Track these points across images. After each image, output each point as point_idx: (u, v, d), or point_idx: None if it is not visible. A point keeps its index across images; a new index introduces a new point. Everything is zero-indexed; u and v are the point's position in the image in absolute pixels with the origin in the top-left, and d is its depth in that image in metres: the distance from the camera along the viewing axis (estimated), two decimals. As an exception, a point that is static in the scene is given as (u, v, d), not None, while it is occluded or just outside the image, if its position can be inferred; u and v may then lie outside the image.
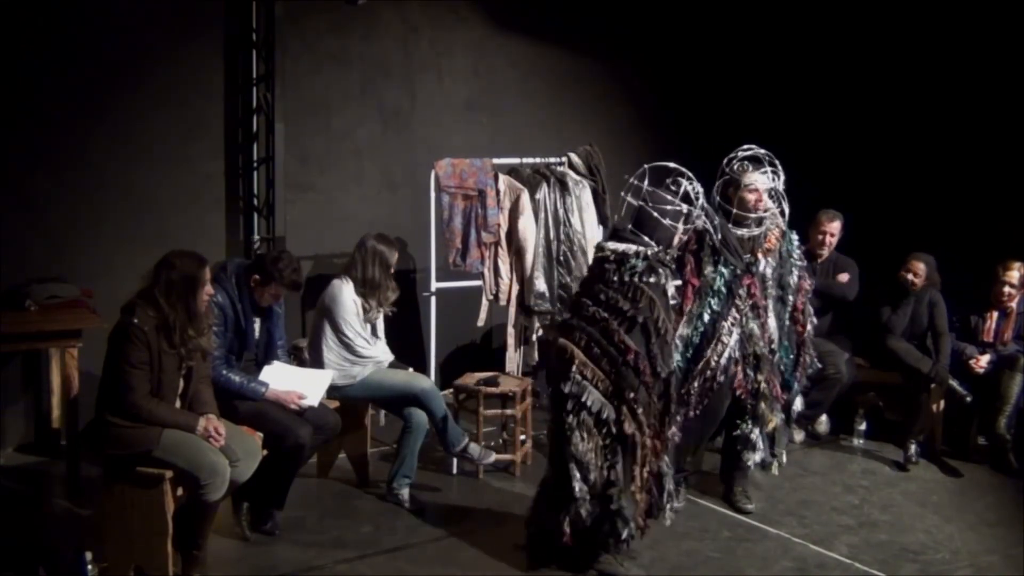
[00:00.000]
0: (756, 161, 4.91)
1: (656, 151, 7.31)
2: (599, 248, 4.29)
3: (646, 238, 4.15)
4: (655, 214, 4.16)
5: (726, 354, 4.85)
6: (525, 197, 5.75)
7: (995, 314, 6.01)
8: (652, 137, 7.69)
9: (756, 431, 4.99)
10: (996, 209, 6.68)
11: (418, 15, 6.84)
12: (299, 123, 6.43)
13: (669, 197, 4.25)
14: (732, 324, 4.86)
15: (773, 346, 5.00)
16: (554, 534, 4.20)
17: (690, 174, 4.36)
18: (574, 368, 4.06)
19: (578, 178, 5.90)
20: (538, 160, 5.95)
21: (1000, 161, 6.82)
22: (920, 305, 5.96)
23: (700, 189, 4.37)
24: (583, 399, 4.05)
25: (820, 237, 6.11)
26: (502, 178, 5.77)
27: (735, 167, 4.89)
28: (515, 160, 5.93)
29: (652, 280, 4.09)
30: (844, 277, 6.16)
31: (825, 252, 6.16)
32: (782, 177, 4.95)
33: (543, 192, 5.79)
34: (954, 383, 5.82)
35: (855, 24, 7.56)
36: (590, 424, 4.06)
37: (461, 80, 7.07)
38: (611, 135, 7.31)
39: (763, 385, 4.93)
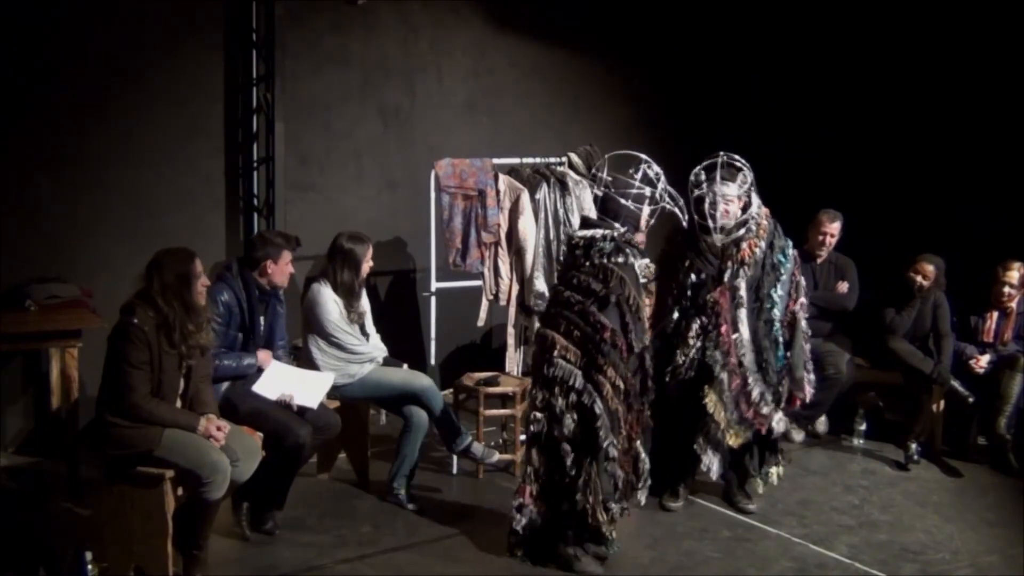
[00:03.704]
0: (725, 167, 4.81)
1: (656, 151, 7.30)
2: (569, 238, 4.46)
3: (613, 222, 4.29)
4: (619, 198, 4.32)
5: (691, 355, 4.83)
6: (525, 197, 5.75)
7: (995, 314, 6.01)
8: (652, 137, 7.66)
9: (709, 451, 4.89)
10: (996, 209, 6.68)
11: (418, 15, 6.84)
12: (299, 123, 6.43)
13: (631, 181, 4.39)
14: (698, 330, 4.83)
15: (744, 359, 4.82)
16: (543, 521, 4.32)
17: (648, 159, 4.46)
18: (556, 352, 4.18)
19: (578, 178, 5.90)
20: (538, 160, 5.95)
21: (1000, 161, 6.82)
22: (925, 306, 5.96)
23: (660, 171, 4.48)
24: (570, 381, 4.15)
25: (820, 238, 6.11)
26: (502, 178, 5.77)
27: (701, 186, 4.80)
28: (515, 160, 5.93)
29: (620, 260, 4.23)
30: (843, 287, 6.16)
31: (824, 253, 6.16)
32: (746, 176, 4.81)
33: (543, 192, 5.79)
34: (956, 384, 5.82)
35: (856, 23, 7.56)
36: (578, 405, 4.16)
37: (461, 80, 7.07)
38: (611, 135, 7.30)
39: (711, 401, 4.80)
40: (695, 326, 4.83)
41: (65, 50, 5.65)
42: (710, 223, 4.80)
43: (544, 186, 5.80)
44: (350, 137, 6.71)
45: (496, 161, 5.86)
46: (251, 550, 4.49)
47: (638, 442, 4.43)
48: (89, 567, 3.89)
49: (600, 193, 4.44)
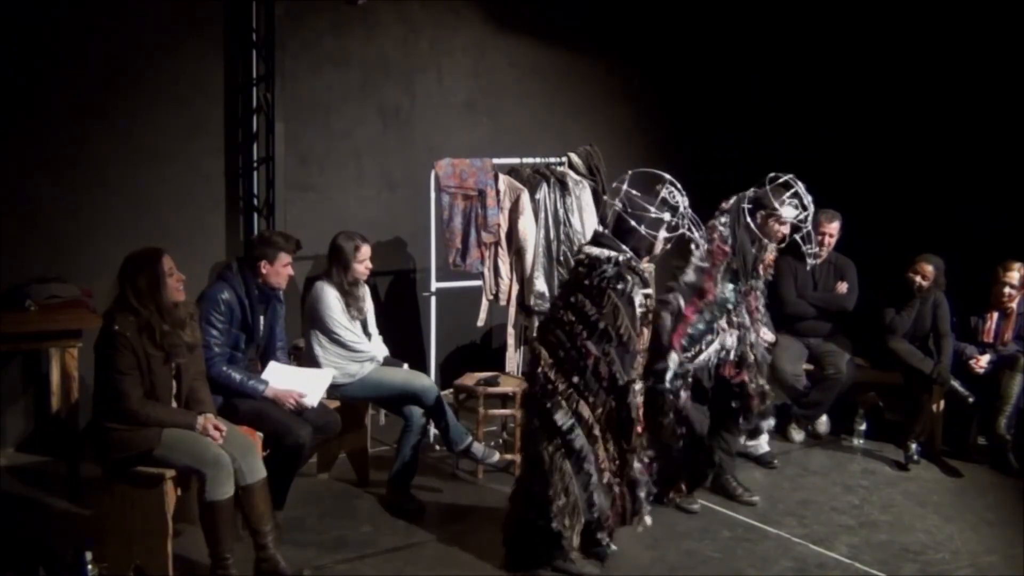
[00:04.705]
0: (795, 196, 4.86)
1: (656, 151, 7.35)
2: (578, 251, 4.34)
3: (623, 245, 4.17)
4: (631, 221, 4.18)
5: (700, 360, 4.85)
6: (525, 197, 5.75)
7: (995, 315, 6.01)
8: (652, 137, 7.69)
9: (769, 422, 5.14)
10: (996, 209, 6.68)
11: (418, 15, 6.84)
12: (299, 123, 6.43)
13: (648, 205, 4.23)
14: (733, 333, 4.90)
15: (758, 355, 5.04)
16: (529, 530, 4.27)
17: (673, 180, 4.31)
18: (539, 369, 4.12)
19: (578, 178, 5.91)
20: (538, 160, 5.95)
21: (1000, 161, 6.83)
22: (924, 306, 5.96)
23: (685, 200, 4.31)
24: (546, 402, 4.09)
25: (819, 238, 6.09)
26: (502, 178, 5.78)
27: (782, 200, 4.82)
28: (515, 160, 5.93)
29: (620, 287, 4.08)
30: (843, 287, 6.17)
31: (824, 253, 6.16)
32: (811, 218, 4.94)
33: (543, 192, 5.80)
34: (956, 384, 5.82)
35: (856, 23, 7.57)
36: (553, 426, 4.09)
37: (461, 80, 7.07)
38: (611, 135, 7.31)
39: (766, 385, 5.02)
40: (728, 331, 4.90)
41: (65, 50, 5.65)
42: (771, 241, 4.86)
43: (544, 186, 5.81)
44: (350, 137, 6.71)
45: (496, 161, 5.86)
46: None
47: (634, 470, 4.32)
48: (89, 567, 3.89)
49: (618, 207, 4.24)
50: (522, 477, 4.40)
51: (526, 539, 4.31)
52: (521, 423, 4.39)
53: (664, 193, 4.28)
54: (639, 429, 4.30)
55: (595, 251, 4.17)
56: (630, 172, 4.31)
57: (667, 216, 4.23)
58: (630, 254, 4.16)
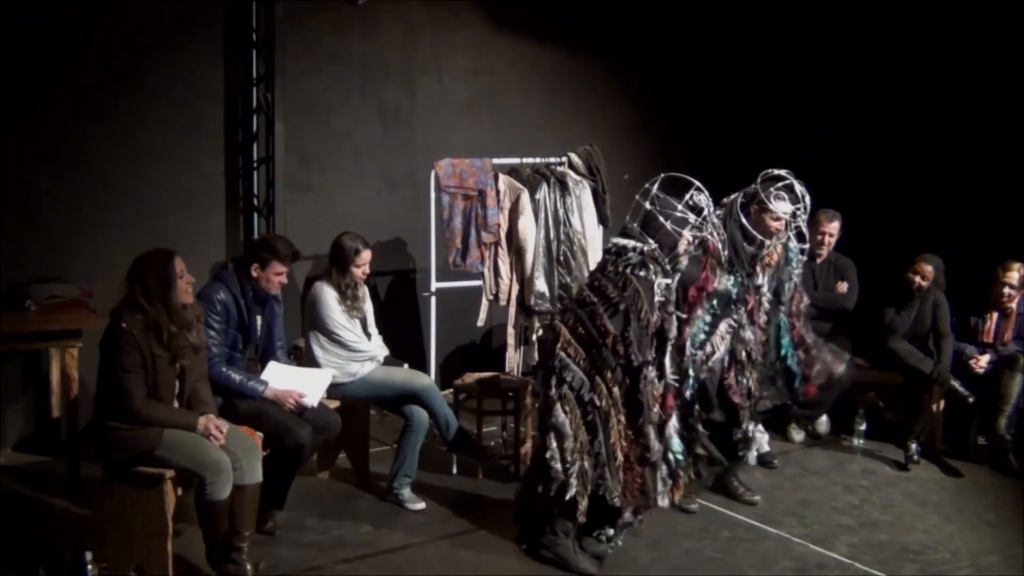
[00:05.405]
0: (788, 190, 4.88)
1: (656, 152, 7.35)
2: (607, 242, 4.57)
3: (650, 239, 4.37)
4: (660, 218, 4.38)
5: (716, 357, 4.88)
6: (525, 197, 5.75)
7: (995, 315, 6.01)
8: (652, 137, 7.70)
9: (752, 428, 5.07)
10: (996, 209, 6.68)
11: (418, 15, 6.84)
12: (299, 123, 6.43)
13: (676, 203, 4.42)
14: (727, 330, 4.90)
15: (766, 350, 5.04)
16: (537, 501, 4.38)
17: (700, 186, 4.47)
18: (559, 345, 4.30)
19: (578, 178, 5.91)
20: (538, 160, 5.95)
21: (1000, 161, 6.82)
22: (924, 306, 5.96)
23: (709, 201, 4.51)
24: (564, 375, 4.27)
25: (819, 237, 6.10)
26: (502, 178, 5.77)
27: (771, 193, 4.84)
28: (515, 160, 5.93)
29: (642, 273, 4.32)
30: (843, 287, 6.17)
31: (824, 252, 6.17)
32: (807, 213, 4.95)
33: (543, 192, 5.79)
34: (956, 384, 5.82)
35: (856, 23, 7.56)
36: (571, 398, 4.27)
37: (461, 80, 7.08)
38: (611, 135, 7.31)
39: (755, 386, 5.00)
40: (722, 327, 4.90)
41: (65, 50, 5.65)
42: (764, 237, 4.88)
43: (544, 186, 5.80)
44: (350, 137, 6.71)
45: (496, 161, 5.86)
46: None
47: (647, 450, 4.40)
48: (89, 567, 3.89)
49: (647, 207, 4.44)
50: (535, 453, 4.47)
51: (534, 509, 4.40)
52: (537, 398, 4.47)
53: (689, 196, 4.47)
54: (652, 412, 4.42)
55: (622, 241, 4.41)
56: (662, 175, 4.51)
57: (692, 217, 4.42)
58: (654, 246, 4.37)
